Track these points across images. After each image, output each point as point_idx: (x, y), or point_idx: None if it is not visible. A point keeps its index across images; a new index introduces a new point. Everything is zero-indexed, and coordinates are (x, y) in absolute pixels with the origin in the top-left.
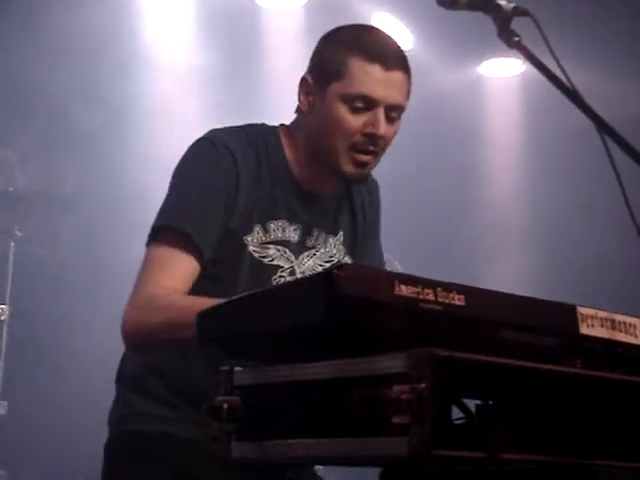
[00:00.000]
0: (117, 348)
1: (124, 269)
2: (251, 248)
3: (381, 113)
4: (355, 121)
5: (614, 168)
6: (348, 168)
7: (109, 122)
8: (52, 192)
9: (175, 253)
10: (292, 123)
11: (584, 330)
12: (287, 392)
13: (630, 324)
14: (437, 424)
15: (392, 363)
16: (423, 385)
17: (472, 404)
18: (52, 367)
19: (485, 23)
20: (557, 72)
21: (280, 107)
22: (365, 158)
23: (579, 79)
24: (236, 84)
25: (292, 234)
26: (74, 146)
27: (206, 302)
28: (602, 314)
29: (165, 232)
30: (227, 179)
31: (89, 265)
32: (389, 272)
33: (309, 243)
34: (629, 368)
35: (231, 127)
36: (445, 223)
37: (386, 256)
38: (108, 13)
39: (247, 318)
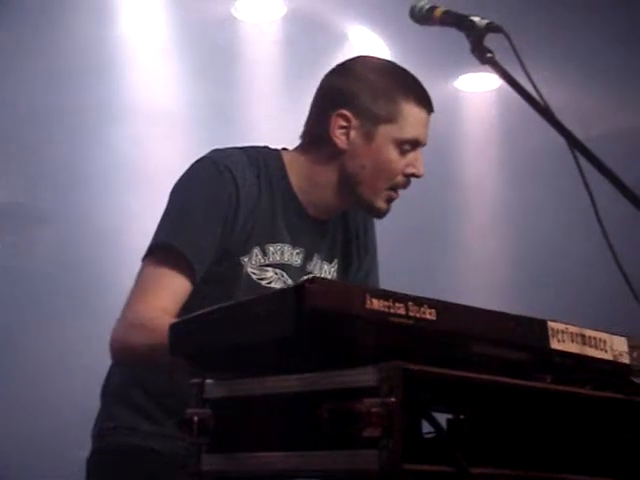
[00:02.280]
0: (93, 361)
1: (101, 281)
2: (249, 269)
3: (420, 154)
4: (401, 163)
5: (585, 184)
6: (382, 205)
7: (86, 132)
8: (28, 204)
9: (168, 272)
10: (301, 149)
11: (554, 345)
12: (258, 405)
13: (600, 339)
14: (407, 438)
15: (363, 377)
16: (393, 399)
17: (443, 418)
18: (26, 379)
19: (462, 38)
20: (530, 88)
21: (256, 115)
22: (397, 195)
23: (553, 95)
24: (213, 95)
25: (295, 258)
26: (49, 157)
27: None
28: (572, 329)
29: (160, 251)
30: (227, 201)
31: (66, 277)
32: (360, 286)
33: (309, 268)
34: (599, 383)
35: (234, 148)
36: (421, 236)
37: None
38: (81, 22)
39: (219, 331)
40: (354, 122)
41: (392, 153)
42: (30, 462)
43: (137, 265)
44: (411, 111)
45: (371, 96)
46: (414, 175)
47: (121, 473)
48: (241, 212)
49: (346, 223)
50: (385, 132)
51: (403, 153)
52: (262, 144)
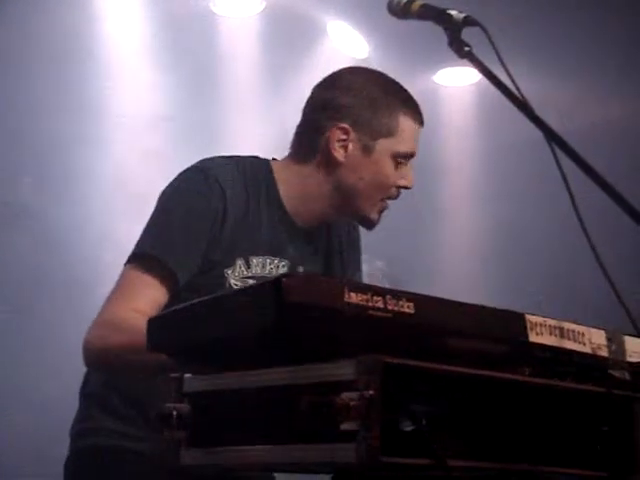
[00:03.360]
0: (75, 361)
1: (83, 278)
2: (232, 281)
3: (411, 166)
4: (396, 175)
5: (564, 178)
6: (375, 216)
7: (68, 127)
8: (5, 199)
9: (148, 281)
10: (291, 159)
11: (533, 338)
12: (236, 399)
13: (578, 332)
14: (385, 431)
15: (341, 370)
16: (372, 392)
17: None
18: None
19: (440, 32)
20: (508, 82)
21: (235, 110)
22: (387, 206)
23: (531, 89)
24: (192, 90)
25: (279, 270)
26: (29, 151)
27: None
28: (551, 322)
29: (142, 259)
30: (214, 212)
31: (47, 274)
32: (338, 279)
33: None
34: (577, 376)
35: (223, 158)
36: (400, 230)
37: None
38: (63, 15)
39: (197, 325)
40: (353, 135)
41: (389, 166)
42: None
43: (122, 265)
44: (408, 126)
45: (371, 110)
46: (406, 187)
47: (99, 474)
48: (227, 224)
49: (329, 235)
50: (384, 146)
51: (398, 166)
52: (251, 154)
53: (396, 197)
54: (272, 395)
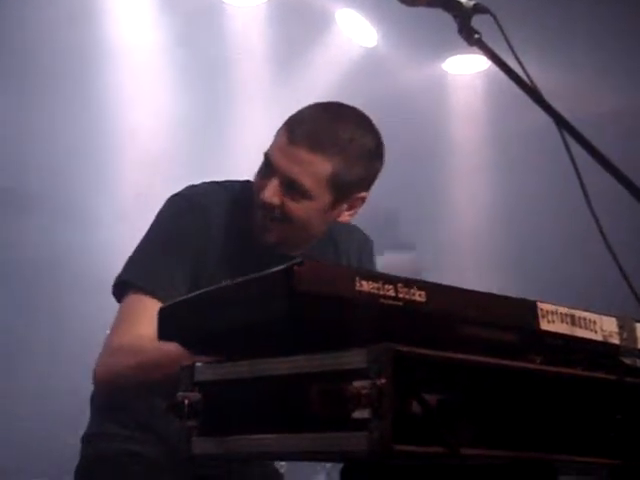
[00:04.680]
0: (82, 349)
1: (90, 269)
2: None
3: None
4: None
5: (574, 165)
6: None
7: (79, 117)
8: (15, 189)
9: (142, 301)
10: None
11: (544, 326)
12: (248, 388)
13: (590, 320)
14: (397, 419)
15: (352, 359)
16: (383, 380)
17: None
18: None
19: (449, 19)
20: (519, 69)
21: (242, 99)
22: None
23: (541, 77)
24: (201, 80)
25: None
26: (38, 141)
27: (173, 345)
28: (562, 310)
29: (130, 288)
30: (197, 239)
31: (53, 264)
32: (350, 268)
33: None
34: (589, 364)
35: (210, 184)
36: (408, 217)
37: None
38: (72, 8)
39: (208, 314)
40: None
41: None
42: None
43: (128, 251)
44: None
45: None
46: None
47: (108, 478)
48: (211, 250)
49: (337, 254)
50: None
51: None
52: (245, 178)
53: None
54: (283, 384)
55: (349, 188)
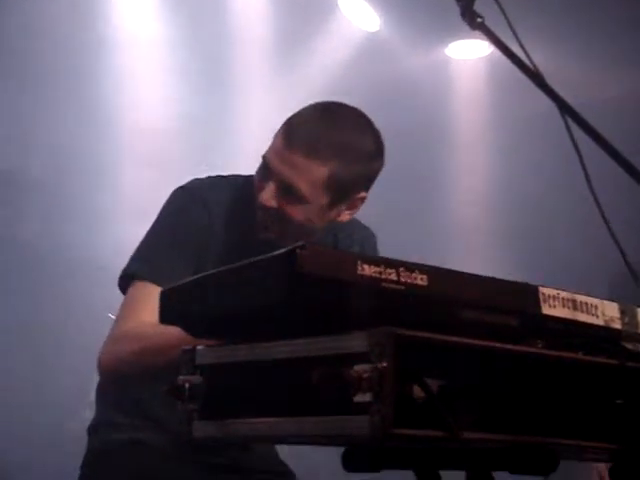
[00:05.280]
0: (83, 330)
1: (91, 252)
2: None
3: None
4: None
5: (577, 151)
6: None
7: (78, 97)
8: (17, 171)
9: (146, 289)
10: None
11: (546, 310)
12: (249, 371)
13: (592, 304)
14: (399, 403)
15: (354, 342)
16: (384, 364)
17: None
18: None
19: (452, 4)
20: (522, 54)
21: (248, 90)
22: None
23: (544, 61)
24: (204, 70)
25: None
26: (39, 124)
27: (176, 330)
28: (564, 294)
29: (134, 279)
30: (200, 234)
31: (56, 246)
32: (351, 252)
33: None
34: (590, 348)
35: (213, 177)
36: (412, 202)
37: None
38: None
39: (209, 297)
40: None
41: None
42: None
43: (131, 236)
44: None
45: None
46: None
47: (113, 467)
48: (214, 243)
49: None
50: None
51: None
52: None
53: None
54: (284, 367)
55: (347, 190)
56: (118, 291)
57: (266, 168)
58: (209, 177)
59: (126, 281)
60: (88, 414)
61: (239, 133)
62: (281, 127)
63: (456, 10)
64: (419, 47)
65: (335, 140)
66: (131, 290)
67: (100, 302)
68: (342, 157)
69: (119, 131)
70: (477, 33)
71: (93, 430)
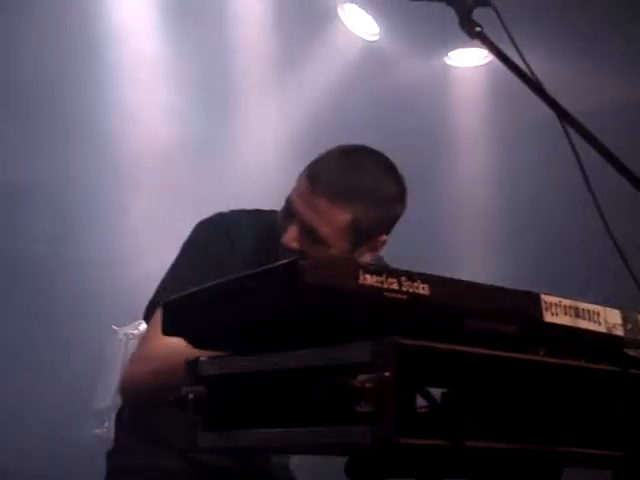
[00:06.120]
0: (84, 339)
1: (86, 260)
2: None
3: None
4: None
5: (577, 158)
6: None
7: (81, 99)
8: (8, 180)
9: None
10: None
11: (548, 318)
12: (252, 382)
13: (594, 312)
14: (402, 413)
15: (356, 352)
16: (387, 374)
17: (437, 393)
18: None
19: (451, 13)
20: (520, 62)
21: (248, 99)
22: None
23: (544, 70)
24: (203, 79)
25: None
26: (31, 132)
27: (190, 350)
28: (566, 302)
29: (157, 307)
30: (222, 265)
31: (51, 255)
32: (353, 261)
33: None
34: (593, 356)
35: (238, 211)
36: (412, 210)
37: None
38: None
39: (212, 308)
40: None
41: None
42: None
43: (135, 244)
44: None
45: None
46: None
47: None
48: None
49: None
50: None
51: None
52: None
53: None
54: (288, 378)
55: (369, 234)
56: (122, 305)
57: (290, 210)
58: (232, 211)
59: (150, 311)
60: (89, 424)
61: (239, 144)
62: (305, 170)
63: (455, 18)
64: (419, 55)
65: (358, 185)
66: (154, 317)
67: (104, 314)
68: (365, 202)
69: (120, 153)
70: (476, 41)
71: (111, 455)
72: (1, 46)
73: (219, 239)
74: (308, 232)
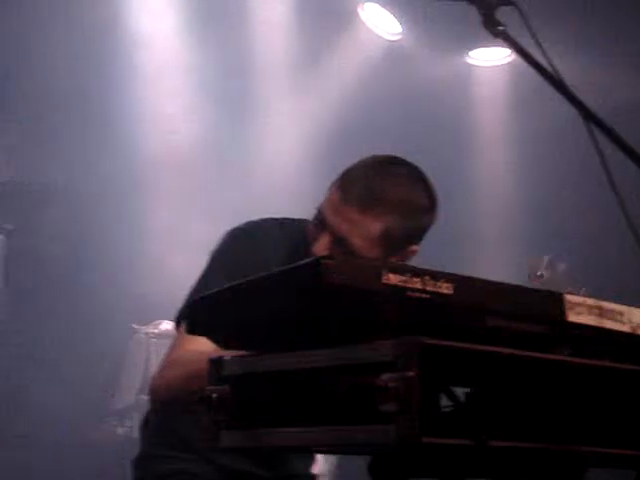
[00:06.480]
0: (102, 341)
1: (110, 261)
2: None
3: None
4: None
5: (600, 156)
6: None
7: (96, 111)
8: (37, 183)
9: None
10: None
11: (572, 317)
12: (276, 381)
13: (617, 311)
14: (425, 412)
15: (380, 352)
16: (411, 373)
17: (461, 392)
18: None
19: (473, 12)
20: (543, 61)
21: (272, 97)
22: None
23: (568, 68)
24: (226, 77)
25: None
26: (60, 136)
27: (220, 352)
28: (590, 302)
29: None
30: (252, 273)
31: (76, 257)
32: (377, 261)
33: None
34: (617, 355)
35: (267, 220)
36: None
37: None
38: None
39: (236, 307)
40: None
41: None
42: None
43: (154, 247)
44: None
45: None
46: None
47: None
48: None
49: None
50: None
51: None
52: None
53: None
54: (311, 377)
55: (400, 244)
56: (142, 305)
57: (321, 220)
58: (263, 220)
59: (181, 318)
60: (111, 424)
61: (260, 144)
62: (337, 181)
63: (478, 17)
64: (441, 54)
65: (389, 196)
66: (181, 328)
67: (124, 313)
68: (396, 213)
69: (141, 156)
70: (499, 40)
71: (137, 463)
72: (27, 52)
73: (250, 248)
74: (339, 242)
